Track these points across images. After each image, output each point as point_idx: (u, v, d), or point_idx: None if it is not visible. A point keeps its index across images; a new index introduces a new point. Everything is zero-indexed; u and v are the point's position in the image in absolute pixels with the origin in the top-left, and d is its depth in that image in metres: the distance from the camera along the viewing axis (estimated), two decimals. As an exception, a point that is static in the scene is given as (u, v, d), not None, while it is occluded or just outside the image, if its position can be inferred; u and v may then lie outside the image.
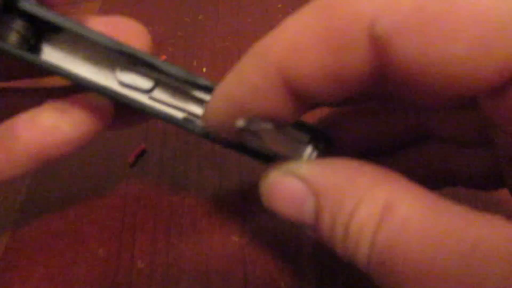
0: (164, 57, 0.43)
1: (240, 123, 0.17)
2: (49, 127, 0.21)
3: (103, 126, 0.22)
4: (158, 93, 0.22)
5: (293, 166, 0.18)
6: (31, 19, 0.21)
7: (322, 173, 0.17)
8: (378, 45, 0.13)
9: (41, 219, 0.31)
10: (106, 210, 0.31)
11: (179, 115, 0.22)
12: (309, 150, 0.21)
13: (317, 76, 0.15)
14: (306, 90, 0.15)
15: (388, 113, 0.22)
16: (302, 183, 0.17)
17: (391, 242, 0.14)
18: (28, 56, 0.21)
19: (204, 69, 0.42)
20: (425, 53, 0.12)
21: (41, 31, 0.22)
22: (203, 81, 0.21)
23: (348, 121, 0.23)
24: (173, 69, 0.21)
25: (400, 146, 0.23)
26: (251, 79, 0.16)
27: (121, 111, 0.24)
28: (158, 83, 0.22)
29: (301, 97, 0.16)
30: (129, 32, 0.22)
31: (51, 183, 0.33)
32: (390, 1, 0.13)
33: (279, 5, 0.49)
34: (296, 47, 0.15)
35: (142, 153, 0.34)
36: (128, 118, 0.25)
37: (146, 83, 0.22)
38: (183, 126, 0.22)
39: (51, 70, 0.21)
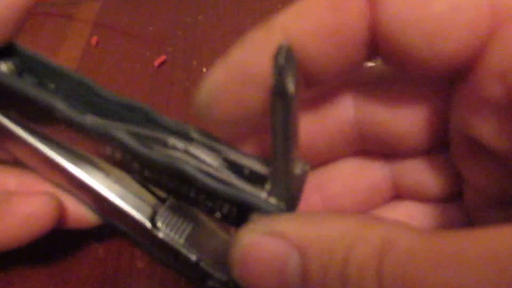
0: (164, 57, 0.43)
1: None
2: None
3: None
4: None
5: (268, 223, 0.15)
6: None
7: (304, 226, 0.15)
8: (372, 4, 0.15)
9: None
10: (106, 210, 0.31)
11: None
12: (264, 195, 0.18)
13: (318, 36, 0.16)
14: (308, 53, 0.16)
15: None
16: (283, 240, 0.15)
17: (401, 271, 0.12)
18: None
19: (204, 69, 0.42)
20: (409, 9, 0.15)
21: None
22: None
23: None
24: None
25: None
26: (256, 45, 0.17)
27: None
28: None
29: (303, 65, 0.16)
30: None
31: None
32: None
33: (279, 5, 0.49)
34: (299, 10, 0.16)
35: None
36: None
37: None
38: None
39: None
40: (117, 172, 0.23)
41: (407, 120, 0.18)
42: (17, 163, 0.25)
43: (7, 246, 0.24)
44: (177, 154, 0.19)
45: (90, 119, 0.19)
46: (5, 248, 0.24)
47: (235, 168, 0.18)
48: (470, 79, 0.16)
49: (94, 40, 0.45)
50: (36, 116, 0.21)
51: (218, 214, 0.18)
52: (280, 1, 0.49)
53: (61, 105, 0.19)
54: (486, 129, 0.16)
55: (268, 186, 0.18)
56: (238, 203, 0.17)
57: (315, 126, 0.19)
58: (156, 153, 0.18)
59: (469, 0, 0.14)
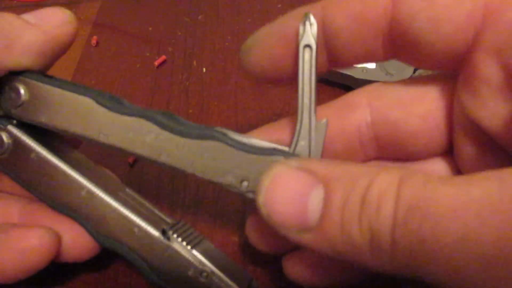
0: (164, 57, 0.43)
1: None
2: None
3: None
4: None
5: (299, 160, 0.17)
6: None
7: (331, 165, 0.16)
8: (395, 1, 0.19)
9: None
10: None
11: None
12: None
13: (347, 17, 0.19)
14: (336, 30, 0.20)
15: None
16: (310, 174, 0.16)
17: (418, 194, 0.14)
18: None
19: (204, 69, 0.42)
20: (421, 2, 0.18)
21: None
22: None
23: None
24: None
25: None
26: (295, 15, 0.20)
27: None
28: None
29: (330, 40, 0.20)
30: (54, 19, 0.23)
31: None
32: None
33: (279, 5, 0.49)
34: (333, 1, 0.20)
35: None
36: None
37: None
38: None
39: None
40: (128, 194, 0.25)
41: (417, 119, 0.20)
42: (21, 196, 0.26)
43: (3, 280, 0.24)
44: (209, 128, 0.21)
45: (126, 108, 0.21)
46: (1, 282, 0.24)
47: (259, 145, 0.21)
48: (469, 63, 0.18)
49: (94, 40, 0.45)
50: (69, 115, 0.22)
51: (244, 184, 0.20)
52: (280, 1, 0.49)
53: (101, 98, 0.22)
54: (484, 112, 0.18)
55: (291, 149, 0.20)
56: (268, 160, 0.19)
57: (333, 130, 0.21)
58: (190, 127, 0.21)
59: None
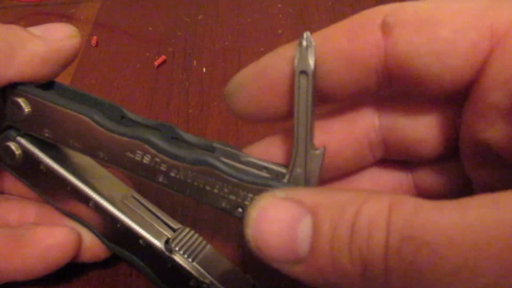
0: (164, 57, 0.43)
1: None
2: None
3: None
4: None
5: (287, 190, 0.17)
6: None
7: (318, 195, 0.16)
8: (386, 31, 0.18)
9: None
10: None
11: None
12: None
13: (336, 58, 0.19)
14: (326, 71, 0.19)
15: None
16: (297, 204, 0.16)
17: (410, 221, 0.13)
18: None
19: (204, 69, 0.42)
20: (419, 35, 0.17)
21: None
22: None
23: None
24: None
25: None
26: (280, 54, 0.20)
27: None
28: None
29: (321, 81, 0.19)
30: (59, 33, 0.24)
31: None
32: (399, 6, 0.18)
33: (279, 5, 0.49)
34: (324, 34, 0.19)
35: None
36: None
37: None
38: None
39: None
40: (133, 201, 0.25)
41: (424, 126, 0.21)
42: (37, 200, 0.26)
43: (25, 276, 0.24)
44: (204, 153, 0.21)
45: (123, 128, 0.22)
46: (22, 278, 0.24)
47: (255, 167, 0.21)
48: (477, 89, 0.18)
49: (94, 40, 0.45)
50: (70, 131, 0.23)
51: (239, 210, 0.20)
52: (280, 1, 0.49)
53: (98, 116, 0.22)
54: (492, 132, 0.17)
55: (287, 177, 0.20)
56: (262, 189, 0.19)
57: (343, 133, 0.21)
58: (185, 151, 0.21)
59: (469, 24, 0.17)
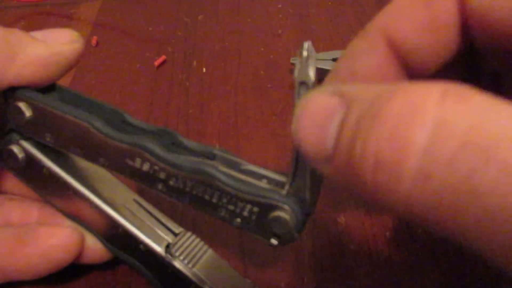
0: (164, 57, 0.43)
1: None
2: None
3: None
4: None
5: (335, 85, 0.15)
6: None
7: (364, 86, 0.14)
8: None
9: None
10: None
11: None
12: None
13: (416, 32, 0.18)
14: (408, 48, 0.18)
15: None
16: (338, 97, 0.14)
17: (479, 123, 0.11)
18: None
19: (204, 69, 0.42)
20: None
21: None
22: None
23: None
24: None
25: None
26: (359, 45, 0.19)
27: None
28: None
29: (401, 57, 0.18)
30: (61, 37, 0.24)
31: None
32: None
33: (279, 5, 0.49)
34: (395, 10, 0.18)
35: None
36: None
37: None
38: None
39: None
40: (135, 205, 0.25)
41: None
42: (38, 199, 0.26)
43: (27, 275, 0.24)
44: (203, 161, 0.21)
45: (123, 135, 0.21)
46: (24, 278, 0.24)
47: (255, 177, 0.20)
48: None
49: (94, 40, 0.45)
50: (70, 137, 0.23)
51: (238, 220, 0.20)
52: (280, 1, 0.49)
53: (97, 123, 0.22)
54: None
55: (286, 187, 0.19)
56: (260, 201, 0.19)
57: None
58: (184, 160, 0.20)
59: None
